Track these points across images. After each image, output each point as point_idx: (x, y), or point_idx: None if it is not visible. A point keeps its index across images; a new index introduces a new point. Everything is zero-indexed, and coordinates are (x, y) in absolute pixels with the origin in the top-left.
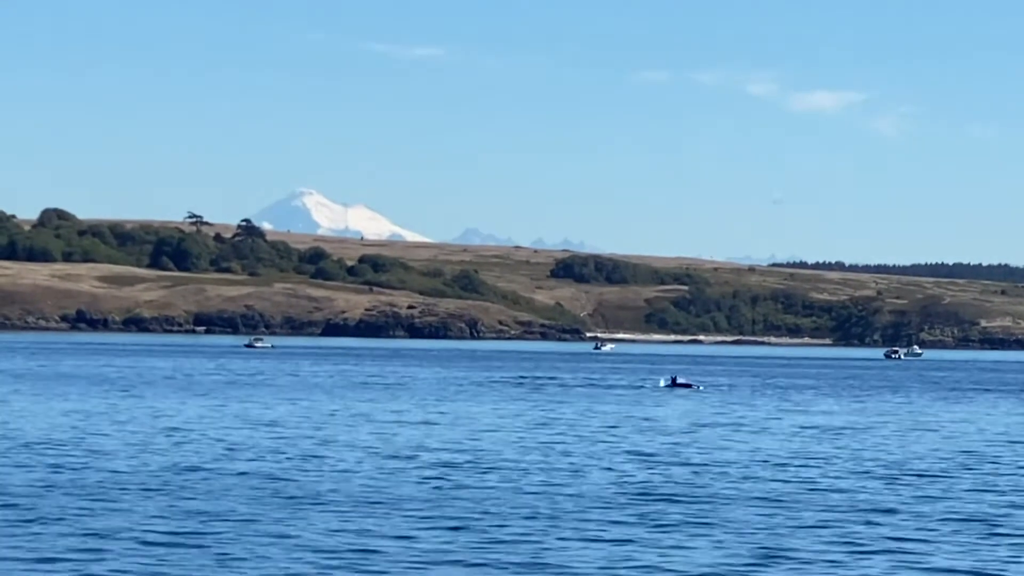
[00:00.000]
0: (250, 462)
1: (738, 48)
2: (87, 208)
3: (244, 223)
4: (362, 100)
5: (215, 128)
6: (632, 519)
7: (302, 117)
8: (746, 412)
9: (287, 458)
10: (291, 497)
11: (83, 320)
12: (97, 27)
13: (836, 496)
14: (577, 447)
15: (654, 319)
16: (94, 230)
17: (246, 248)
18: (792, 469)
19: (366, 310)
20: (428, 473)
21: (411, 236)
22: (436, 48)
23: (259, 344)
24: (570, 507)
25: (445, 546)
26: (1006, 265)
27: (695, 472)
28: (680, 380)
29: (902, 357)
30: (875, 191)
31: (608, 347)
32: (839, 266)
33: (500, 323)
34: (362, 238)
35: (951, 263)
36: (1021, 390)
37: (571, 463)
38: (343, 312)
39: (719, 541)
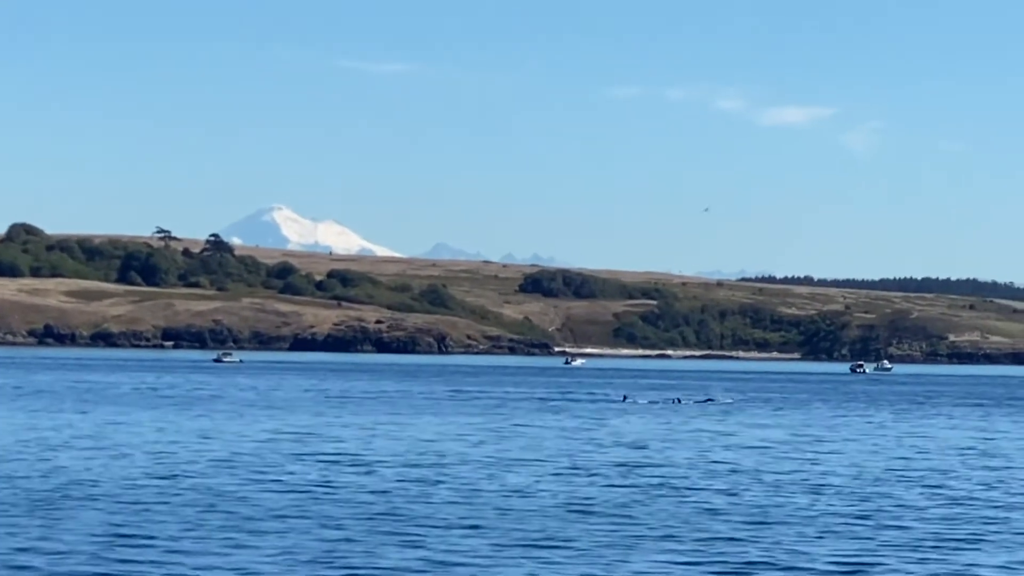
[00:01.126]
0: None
1: (707, 64)
2: (55, 223)
3: (213, 238)
4: (332, 116)
5: (184, 143)
6: (565, 534)
7: (271, 132)
8: (688, 426)
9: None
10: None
11: (51, 335)
12: (65, 40)
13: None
14: (527, 461)
15: (622, 333)
16: (62, 245)
17: (214, 263)
18: (729, 483)
19: (334, 325)
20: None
21: (381, 251)
22: (405, 64)
23: (227, 359)
24: (502, 519)
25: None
26: (974, 280)
27: (635, 486)
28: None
29: (868, 371)
30: (844, 206)
31: (578, 362)
32: (808, 281)
33: (468, 338)
34: (331, 253)
35: (919, 278)
36: (978, 404)
37: (516, 478)
38: (311, 327)
39: (657, 557)
